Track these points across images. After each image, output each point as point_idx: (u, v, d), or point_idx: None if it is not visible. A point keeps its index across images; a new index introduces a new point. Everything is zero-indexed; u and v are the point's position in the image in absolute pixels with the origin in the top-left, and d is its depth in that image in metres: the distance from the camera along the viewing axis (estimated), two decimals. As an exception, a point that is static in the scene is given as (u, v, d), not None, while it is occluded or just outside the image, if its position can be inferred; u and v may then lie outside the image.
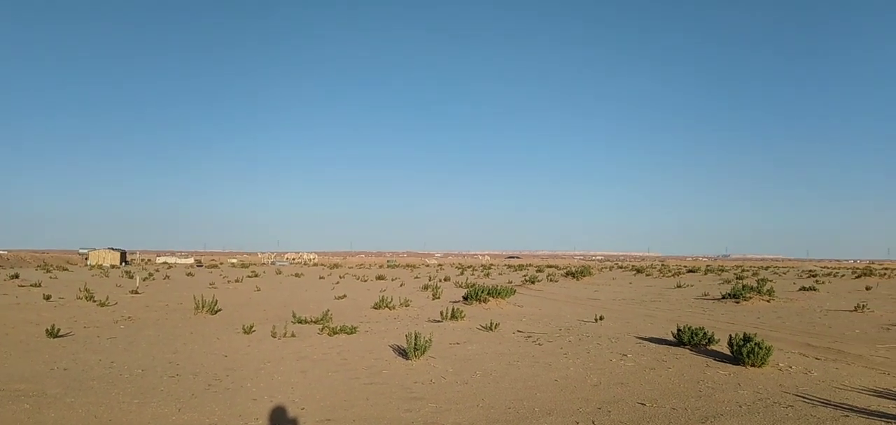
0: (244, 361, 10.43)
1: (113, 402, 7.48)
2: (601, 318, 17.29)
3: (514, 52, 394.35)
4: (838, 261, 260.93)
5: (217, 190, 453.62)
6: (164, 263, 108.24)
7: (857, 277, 52.66)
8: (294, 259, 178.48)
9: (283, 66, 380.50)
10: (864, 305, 20.68)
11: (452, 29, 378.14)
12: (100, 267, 77.18)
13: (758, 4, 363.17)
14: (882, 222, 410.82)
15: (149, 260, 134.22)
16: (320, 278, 50.37)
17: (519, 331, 14.52)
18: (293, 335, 13.25)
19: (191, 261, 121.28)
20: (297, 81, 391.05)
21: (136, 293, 27.03)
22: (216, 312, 18.47)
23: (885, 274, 61.71)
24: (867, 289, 34.54)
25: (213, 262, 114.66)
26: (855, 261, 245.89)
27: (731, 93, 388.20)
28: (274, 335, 13.15)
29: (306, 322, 15.57)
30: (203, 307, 18.39)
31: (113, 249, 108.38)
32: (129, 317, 17.40)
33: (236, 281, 42.65)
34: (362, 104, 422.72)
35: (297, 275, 56.88)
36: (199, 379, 8.97)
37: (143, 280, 40.51)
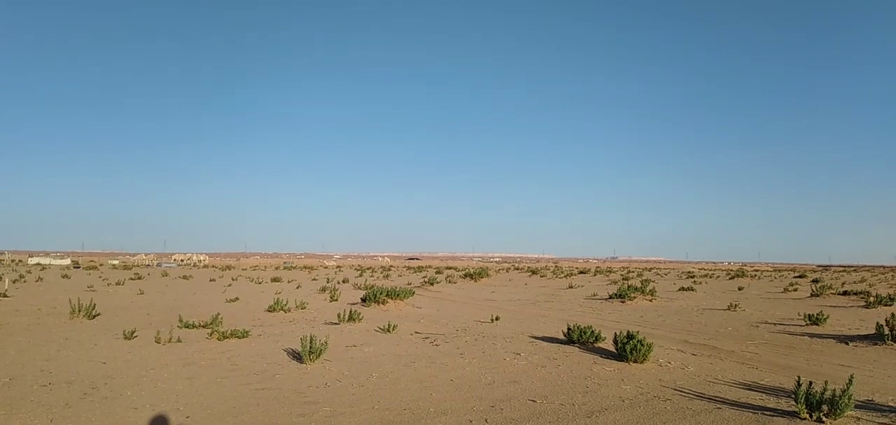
0: (125, 368, 9.78)
1: (-27, 414, 6.83)
2: (497, 319, 17.74)
3: (409, 51, 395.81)
4: (714, 263, 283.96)
5: (96, 186, 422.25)
6: (37, 264, 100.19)
7: (730, 278, 57.62)
8: (182, 260, 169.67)
9: (170, 61, 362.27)
10: (736, 304, 22.62)
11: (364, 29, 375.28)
12: (-40, 267, 70.03)
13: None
14: (753, 226, 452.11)
15: (20, 260, 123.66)
16: (211, 281, 48.12)
17: (417, 333, 14.61)
18: (179, 340, 12.58)
19: (67, 261, 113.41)
20: (187, 77, 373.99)
21: (5, 296, 24.59)
22: (94, 316, 17.18)
23: (755, 275, 68.05)
24: (739, 289, 37.86)
25: (92, 264, 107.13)
26: (729, 263, 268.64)
27: (617, 103, 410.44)
28: (158, 340, 12.41)
29: (194, 326, 14.84)
30: (80, 311, 17.02)
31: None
32: (-7, 323, 15.80)
33: (118, 283, 39.92)
34: (257, 103, 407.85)
35: (185, 277, 53.96)
36: (75, 387, 8.32)
37: (13, 282, 37.29)
